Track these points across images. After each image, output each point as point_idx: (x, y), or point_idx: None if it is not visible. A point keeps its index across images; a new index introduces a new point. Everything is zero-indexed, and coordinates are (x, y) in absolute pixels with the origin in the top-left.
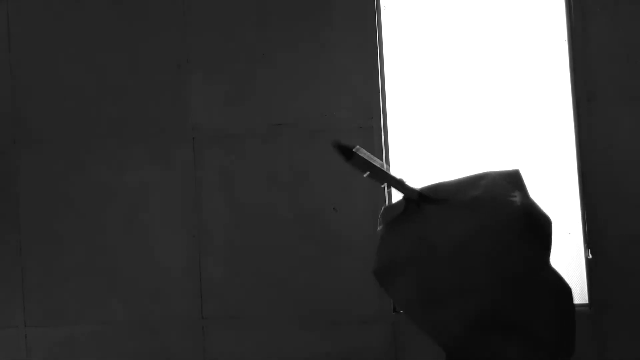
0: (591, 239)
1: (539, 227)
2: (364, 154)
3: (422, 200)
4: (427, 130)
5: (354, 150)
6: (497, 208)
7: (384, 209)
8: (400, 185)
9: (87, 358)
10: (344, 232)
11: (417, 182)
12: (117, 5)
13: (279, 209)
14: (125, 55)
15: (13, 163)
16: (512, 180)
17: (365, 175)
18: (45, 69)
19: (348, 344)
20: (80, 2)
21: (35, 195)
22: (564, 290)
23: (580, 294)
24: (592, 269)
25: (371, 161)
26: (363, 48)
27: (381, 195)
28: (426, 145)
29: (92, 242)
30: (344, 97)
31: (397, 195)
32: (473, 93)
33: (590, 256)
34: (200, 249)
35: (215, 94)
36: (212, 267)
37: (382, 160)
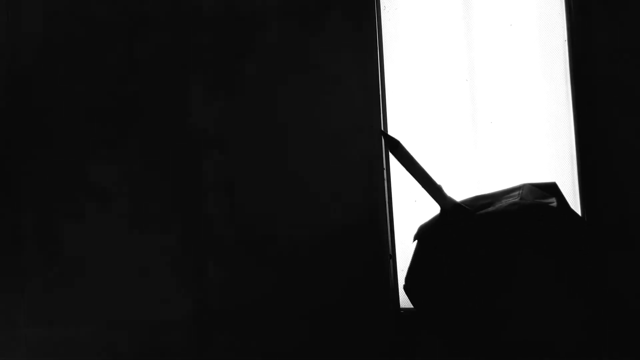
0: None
1: (580, 231)
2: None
3: (457, 212)
4: (428, 131)
5: (398, 141)
6: (535, 209)
7: (420, 227)
8: (438, 192)
9: (87, 358)
10: (343, 233)
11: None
12: (119, 6)
13: (278, 209)
14: (126, 54)
15: (13, 163)
16: (550, 190)
17: (406, 171)
18: (45, 68)
19: (350, 343)
20: (79, 3)
21: (36, 195)
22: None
23: None
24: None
25: (413, 158)
26: (363, 48)
27: (382, 196)
28: (427, 146)
29: (92, 242)
30: (343, 97)
31: (397, 196)
32: (472, 92)
33: None
34: (200, 249)
35: (216, 94)
36: (212, 267)
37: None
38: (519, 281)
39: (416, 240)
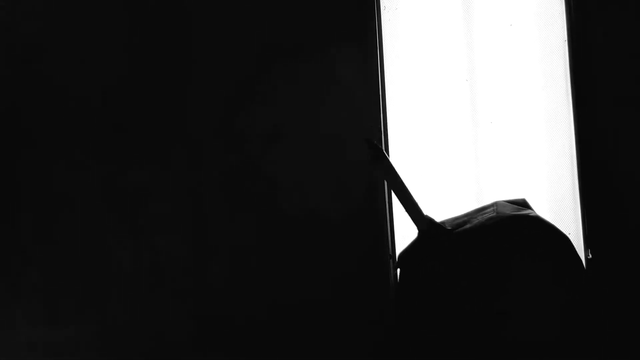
0: (591, 239)
1: (554, 241)
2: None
3: (434, 229)
4: (428, 131)
5: (383, 151)
6: (511, 220)
7: (399, 254)
8: (414, 208)
9: (87, 358)
10: (343, 232)
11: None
12: (119, 5)
13: (277, 209)
14: (126, 54)
15: (12, 163)
16: (521, 205)
17: (386, 184)
18: (44, 68)
19: (349, 342)
20: (79, 2)
21: (35, 195)
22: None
23: None
24: (592, 269)
25: (396, 171)
26: (363, 48)
27: (382, 196)
28: (427, 146)
29: (92, 242)
30: (343, 97)
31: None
32: (472, 92)
33: (590, 256)
34: (200, 249)
35: (217, 94)
36: (212, 266)
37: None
38: (512, 285)
39: (399, 268)
